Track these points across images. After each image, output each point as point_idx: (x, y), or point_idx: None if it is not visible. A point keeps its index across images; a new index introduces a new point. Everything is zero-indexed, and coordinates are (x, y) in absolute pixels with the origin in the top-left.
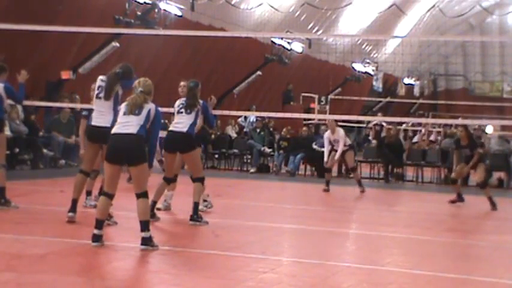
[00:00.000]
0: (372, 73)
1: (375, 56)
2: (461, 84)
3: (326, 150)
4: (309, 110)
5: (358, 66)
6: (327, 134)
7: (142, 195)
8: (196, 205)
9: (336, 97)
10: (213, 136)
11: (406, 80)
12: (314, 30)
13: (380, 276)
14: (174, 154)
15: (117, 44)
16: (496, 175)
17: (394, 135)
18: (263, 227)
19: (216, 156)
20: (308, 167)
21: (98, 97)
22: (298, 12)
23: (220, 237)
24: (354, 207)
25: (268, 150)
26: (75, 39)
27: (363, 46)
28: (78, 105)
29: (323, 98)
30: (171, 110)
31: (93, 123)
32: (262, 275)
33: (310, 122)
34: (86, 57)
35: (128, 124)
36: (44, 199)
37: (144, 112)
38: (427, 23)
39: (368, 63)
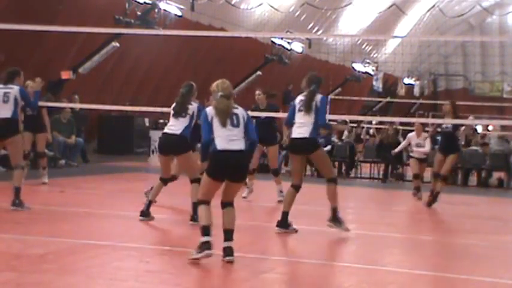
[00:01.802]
0: (372, 73)
1: (375, 56)
2: (461, 84)
3: (401, 147)
4: None
5: (358, 66)
6: (411, 136)
7: (230, 204)
8: (195, 205)
9: (336, 97)
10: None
11: (406, 80)
12: (314, 30)
13: (380, 276)
14: (168, 156)
15: (117, 44)
16: (496, 175)
17: (393, 135)
18: (263, 227)
19: None
20: (308, 167)
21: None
22: (298, 12)
23: (220, 238)
24: (353, 207)
25: None
26: (75, 39)
27: (363, 46)
28: (78, 105)
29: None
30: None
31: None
32: (262, 275)
33: None
34: (86, 57)
35: (233, 138)
36: (44, 199)
37: (241, 121)
38: (427, 23)
39: (368, 63)
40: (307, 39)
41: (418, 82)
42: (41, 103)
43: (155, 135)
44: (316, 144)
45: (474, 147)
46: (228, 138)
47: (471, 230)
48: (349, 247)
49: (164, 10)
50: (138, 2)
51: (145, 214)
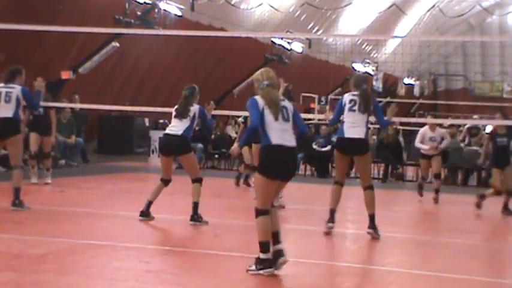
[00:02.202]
0: (372, 73)
1: (375, 56)
2: (461, 84)
3: (419, 144)
4: (309, 110)
5: (358, 66)
6: (424, 131)
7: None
8: (195, 205)
9: (336, 97)
10: (213, 136)
11: (406, 80)
12: (314, 30)
13: (380, 276)
14: (170, 156)
15: (117, 44)
16: None
17: (393, 135)
18: None
19: (216, 156)
20: (308, 167)
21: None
22: (298, 12)
23: (220, 237)
24: (353, 207)
25: None
26: (75, 39)
27: (363, 46)
28: (78, 105)
29: (323, 98)
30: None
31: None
32: (262, 275)
33: (310, 122)
34: (86, 57)
35: (287, 133)
36: (44, 199)
37: (290, 114)
38: (427, 23)
39: (368, 63)
40: (307, 39)
41: (418, 82)
42: (45, 104)
43: (155, 135)
44: (368, 146)
45: (474, 147)
46: (282, 133)
47: (471, 230)
48: (349, 247)
49: (164, 10)
50: (138, 2)
51: (145, 214)
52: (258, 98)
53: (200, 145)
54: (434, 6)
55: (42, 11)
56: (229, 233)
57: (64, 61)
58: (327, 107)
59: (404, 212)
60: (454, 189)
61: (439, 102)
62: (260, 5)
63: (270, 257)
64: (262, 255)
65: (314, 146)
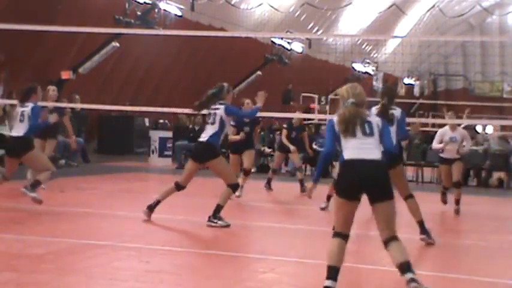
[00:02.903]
0: (372, 73)
1: (375, 56)
2: (461, 84)
3: (436, 145)
4: (308, 110)
5: (358, 66)
6: (443, 131)
7: (395, 237)
8: (218, 207)
9: (336, 97)
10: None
11: (406, 80)
12: (314, 30)
13: (380, 276)
14: (197, 163)
15: (117, 44)
16: (496, 175)
17: None
18: (263, 227)
19: None
20: (308, 167)
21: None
22: (298, 12)
23: (220, 237)
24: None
25: (268, 150)
26: (75, 39)
27: (363, 46)
28: (78, 105)
29: (323, 98)
30: (171, 109)
31: None
32: (262, 275)
33: (310, 122)
34: (86, 57)
35: (366, 147)
36: (44, 199)
37: (375, 129)
38: (427, 23)
39: (368, 63)
40: (307, 39)
41: (418, 82)
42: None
43: (155, 135)
44: (399, 159)
45: (474, 147)
46: (358, 147)
47: (471, 230)
48: (349, 247)
49: (164, 10)
50: (138, 2)
51: (151, 208)
52: (335, 119)
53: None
54: (434, 6)
55: (42, 11)
56: (229, 233)
57: (64, 61)
58: (327, 107)
59: (405, 212)
60: (454, 189)
61: (439, 102)
62: (260, 5)
63: (333, 286)
64: (325, 282)
65: (314, 146)
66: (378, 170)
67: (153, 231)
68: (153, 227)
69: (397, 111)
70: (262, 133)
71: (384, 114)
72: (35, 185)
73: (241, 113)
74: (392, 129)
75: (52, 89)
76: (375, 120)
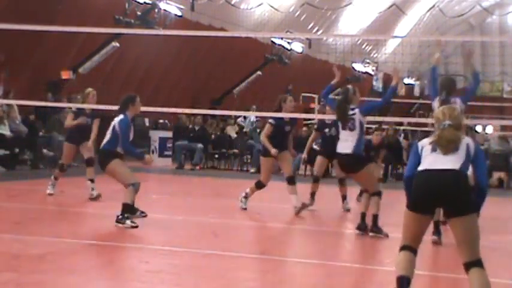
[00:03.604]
0: (372, 73)
1: (375, 56)
2: (461, 84)
3: None
4: (309, 111)
5: (358, 66)
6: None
7: (477, 263)
8: (375, 218)
9: (336, 97)
10: (212, 136)
11: (406, 80)
12: (314, 30)
13: (380, 276)
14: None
15: (117, 44)
16: (496, 175)
17: (392, 135)
18: (263, 227)
19: (216, 156)
20: (308, 167)
21: None
22: (298, 12)
23: (220, 237)
24: (354, 207)
25: None
26: (75, 39)
27: (363, 46)
28: (78, 105)
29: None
30: (171, 109)
31: None
32: (262, 275)
33: (310, 122)
34: (86, 57)
35: (443, 160)
36: (44, 199)
37: (464, 150)
38: (427, 23)
39: (368, 63)
40: (307, 39)
41: (418, 82)
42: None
43: (155, 135)
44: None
45: None
46: (435, 160)
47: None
48: (349, 247)
49: (164, 10)
50: (138, 2)
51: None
52: (424, 141)
53: (200, 145)
54: (434, 6)
55: (42, 11)
56: (229, 233)
57: (64, 61)
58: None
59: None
60: None
61: None
62: (260, 5)
63: None
64: None
65: (314, 146)
66: (453, 180)
67: (153, 231)
68: (153, 227)
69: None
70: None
71: (342, 117)
72: (124, 211)
73: (378, 102)
74: (354, 133)
75: (93, 94)
76: (469, 143)
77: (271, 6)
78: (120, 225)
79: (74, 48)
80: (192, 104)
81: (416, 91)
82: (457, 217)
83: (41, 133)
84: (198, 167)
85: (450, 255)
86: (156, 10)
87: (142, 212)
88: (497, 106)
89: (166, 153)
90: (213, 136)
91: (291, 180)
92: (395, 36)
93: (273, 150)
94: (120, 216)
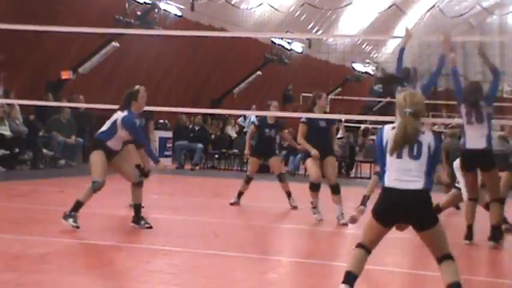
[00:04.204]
0: (372, 73)
1: (375, 56)
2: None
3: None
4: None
5: (358, 66)
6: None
7: (448, 256)
8: (495, 228)
9: (336, 97)
10: (212, 136)
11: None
12: (314, 30)
13: (380, 276)
14: (474, 172)
15: (117, 44)
16: None
17: None
18: (263, 227)
19: (216, 156)
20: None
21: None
22: (298, 12)
23: (220, 237)
24: (353, 207)
25: None
26: (75, 39)
27: (363, 46)
28: (77, 105)
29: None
30: (171, 109)
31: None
32: (262, 275)
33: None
34: (86, 57)
35: (408, 173)
36: (44, 199)
37: (425, 151)
38: (427, 23)
39: (368, 63)
40: (307, 39)
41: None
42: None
43: (155, 135)
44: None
45: None
46: (399, 174)
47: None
48: (349, 247)
49: (164, 10)
50: (138, 2)
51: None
52: (387, 128)
53: (200, 145)
54: (434, 6)
55: (42, 12)
56: (229, 233)
57: (64, 61)
58: (328, 107)
59: None
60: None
61: (439, 102)
62: (260, 5)
63: None
64: (340, 286)
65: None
66: (417, 200)
67: (153, 231)
68: (152, 227)
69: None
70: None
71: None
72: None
73: (430, 78)
74: (483, 126)
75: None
76: (427, 139)
77: (271, 6)
78: (63, 221)
79: (74, 48)
80: (192, 104)
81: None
82: (425, 231)
83: (41, 133)
84: (198, 167)
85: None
86: (156, 10)
87: (147, 223)
88: (497, 106)
89: (166, 153)
90: (213, 136)
91: (336, 189)
92: (396, 36)
93: (314, 152)
94: (67, 213)
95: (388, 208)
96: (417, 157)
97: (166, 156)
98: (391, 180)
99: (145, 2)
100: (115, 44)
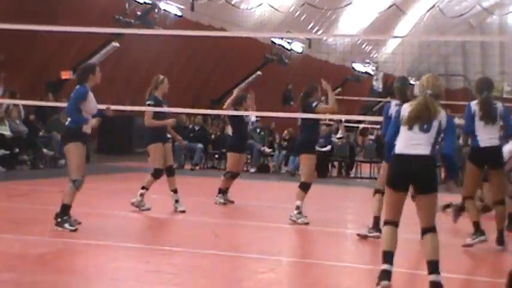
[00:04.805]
0: (372, 73)
1: (375, 56)
2: (461, 84)
3: None
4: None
5: (358, 66)
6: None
7: (431, 229)
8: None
9: (336, 97)
10: (212, 136)
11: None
12: (314, 30)
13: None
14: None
15: (117, 44)
16: None
17: None
18: (263, 227)
19: (216, 156)
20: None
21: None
22: (298, 12)
23: (220, 237)
24: (353, 207)
25: (268, 150)
26: (75, 39)
27: (363, 46)
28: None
29: (323, 98)
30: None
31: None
32: (262, 275)
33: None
34: (86, 57)
35: (417, 143)
36: (44, 199)
37: (435, 127)
38: (427, 23)
39: (368, 63)
40: (307, 39)
41: (418, 82)
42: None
43: None
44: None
45: None
46: (409, 142)
47: (471, 230)
48: (349, 247)
49: (164, 10)
50: (138, 2)
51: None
52: (406, 106)
53: (200, 145)
54: (434, 6)
55: (42, 12)
56: (229, 233)
57: (64, 61)
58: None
59: (404, 211)
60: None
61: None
62: (260, 5)
63: (390, 269)
64: (382, 266)
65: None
66: (424, 164)
67: (153, 231)
68: (153, 227)
69: (499, 106)
70: (262, 133)
71: (486, 110)
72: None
73: None
74: (496, 127)
75: (166, 82)
76: (442, 118)
77: (271, 6)
78: (59, 229)
79: (74, 48)
80: (192, 104)
81: (417, 91)
82: (423, 195)
83: (41, 133)
84: (198, 167)
85: (450, 256)
86: (156, 10)
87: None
88: None
89: None
90: (213, 136)
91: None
92: (396, 36)
93: None
94: (59, 219)
95: (400, 172)
96: (427, 130)
97: None
98: (402, 148)
99: (145, 2)
100: (115, 44)
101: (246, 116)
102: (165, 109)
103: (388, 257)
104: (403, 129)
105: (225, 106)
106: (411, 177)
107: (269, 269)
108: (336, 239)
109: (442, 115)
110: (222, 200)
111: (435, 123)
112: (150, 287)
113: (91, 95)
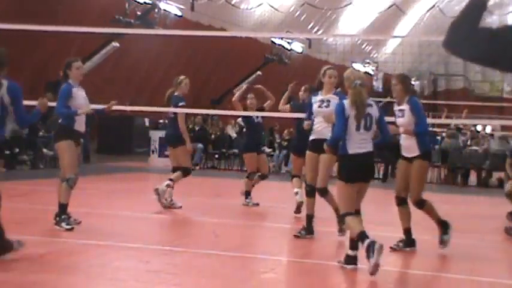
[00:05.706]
0: (372, 73)
1: (375, 56)
2: (461, 84)
3: None
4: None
5: (358, 66)
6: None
7: (358, 212)
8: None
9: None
10: (212, 136)
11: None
12: (314, 30)
13: (380, 276)
14: None
15: (117, 44)
16: (496, 175)
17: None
18: (263, 227)
19: (216, 156)
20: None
21: None
22: (298, 12)
23: (220, 237)
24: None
25: (268, 150)
26: (75, 39)
27: (363, 46)
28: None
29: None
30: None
31: None
32: (262, 275)
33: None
34: (86, 57)
35: (364, 141)
36: (44, 199)
37: (374, 122)
38: (427, 23)
39: (368, 63)
40: (307, 39)
41: (418, 82)
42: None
43: (155, 135)
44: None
45: (474, 147)
46: (359, 142)
47: (471, 230)
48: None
49: (164, 10)
50: (138, 2)
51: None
52: (346, 102)
53: (200, 145)
54: (434, 6)
55: (42, 12)
56: (229, 233)
57: (64, 61)
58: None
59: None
60: (454, 189)
61: (439, 102)
62: (260, 5)
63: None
64: (366, 241)
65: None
66: (371, 159)
67: (153, 231)
68: (153, 227)
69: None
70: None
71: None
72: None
73: None
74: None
75: (186, 82)
76: (374, 111)
77: (271, 6)
78: (58, 227)
79: (74, 48)
80: (192, 104)
81: (416, 91)
82: (366, 183)
83: (41, 133)
84: (198, 167)
85: (450, 256)
86: (156, 10)
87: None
88: (497, 106)
89: (166, 153)
90: (213, 136)
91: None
92: (396, 36)
93: None
94: (57, 219)
95: (355, 168)
96: (369, 129)
97: (167, 156)
98: (354, 148)
99: (145, 2)
100: (115, 44)
101: (257, 116)
102: (165, 109)
103: (365, 234)
104: (352, 130)
105: (233, 99)
106: (365, 171)
107: (269, 269)
108: (336, 239)
109: (374, 108)
110: (253, 202)
111: (373, 120)
112: (150, 287)
113: (77, 92)
